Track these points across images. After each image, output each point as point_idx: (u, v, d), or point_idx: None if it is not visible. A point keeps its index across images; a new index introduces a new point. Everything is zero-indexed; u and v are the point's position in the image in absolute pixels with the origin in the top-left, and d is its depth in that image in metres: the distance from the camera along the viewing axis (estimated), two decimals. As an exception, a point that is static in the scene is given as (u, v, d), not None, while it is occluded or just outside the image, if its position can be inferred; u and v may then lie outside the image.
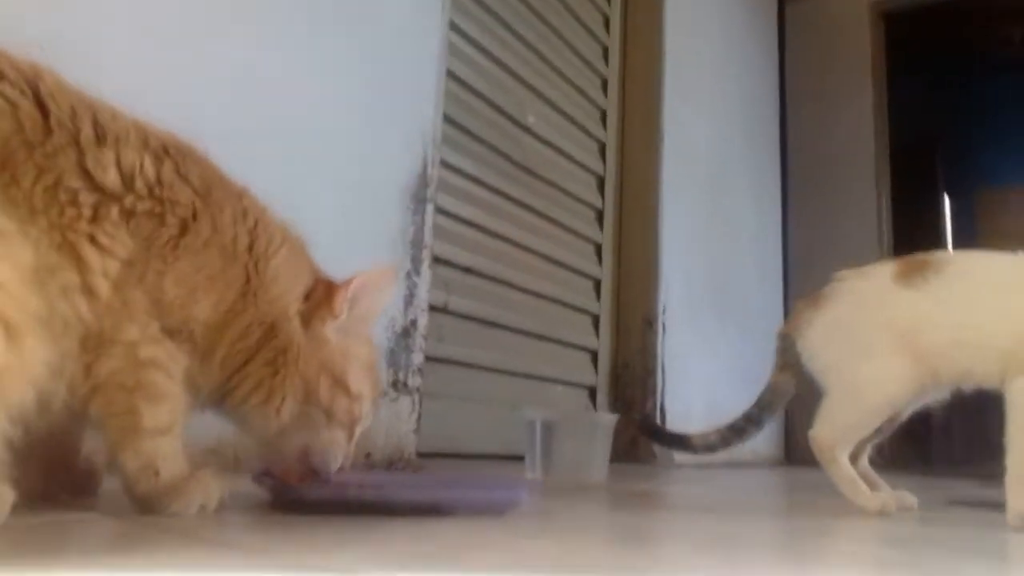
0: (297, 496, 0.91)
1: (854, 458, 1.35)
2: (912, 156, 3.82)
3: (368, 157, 1.68)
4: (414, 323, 1.74)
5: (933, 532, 1.13)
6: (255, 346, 0.92)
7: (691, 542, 0.91)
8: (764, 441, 3.05)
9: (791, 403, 1.52)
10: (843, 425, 1.31)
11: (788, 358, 1.44)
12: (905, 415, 1.39)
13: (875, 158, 3.51)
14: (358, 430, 1.01)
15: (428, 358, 1.79)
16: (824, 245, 3.40)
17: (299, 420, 0.94)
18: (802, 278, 3.41)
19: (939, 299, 1.29)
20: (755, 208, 3.48)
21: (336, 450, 0.97)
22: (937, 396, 1.37)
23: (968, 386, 1.31)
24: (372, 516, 0.90)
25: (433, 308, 1.84)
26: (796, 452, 3.23)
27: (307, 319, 0.96)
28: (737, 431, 1.51)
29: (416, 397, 1.72)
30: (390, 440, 1.63)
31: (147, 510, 0.84)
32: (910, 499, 1.33)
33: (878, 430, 1.36)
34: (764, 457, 3.12)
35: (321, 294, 0.98)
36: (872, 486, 1.34)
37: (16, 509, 0.72)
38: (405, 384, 1.70)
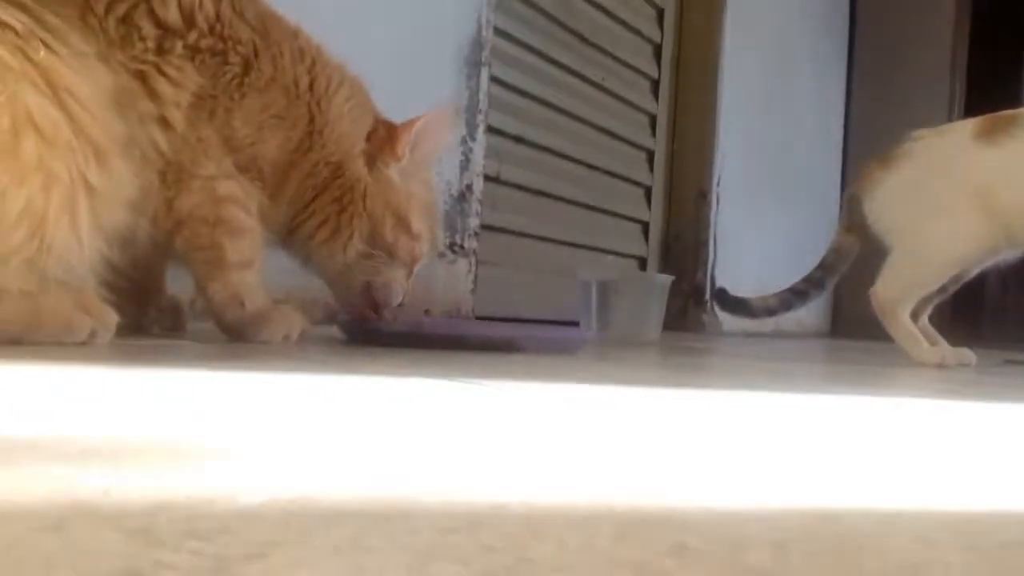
0: (374, 329, 0.95)
1: (914, 317, 1.35)
2: (995, 19, 3.54)
3: (423, 20, 1.64)
4: (469, 188, 1.75)
5: (989, 379, 1.14)
6: (322, 184, 0.94)
7: (746, 373, 0.94)
8: (810, 312, 3.04)
9: (840, 276, 1.51)
10: (907, 282, 1.32)
11: (854, 219, 1.42)
12: (971, 275, 1.38)
13: (953, 23, 3.28)
14: (416, 268, 1.05)
15: (482, 226, 1.80)
16: (888, 120, 3.24)
17: (363, 257, 0.98)
18: (863, 153, 3.29)
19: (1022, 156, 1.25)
20: (818, 78, 3.32)
21: (396, 287, 1.01)
22: (1007, 257, 1.35)
23: None
24: (446, 351, 0.94)
25: (486, 177, 1.84)
26: (843, 323, 3.23)
27: (371, 160, 0.98)
28: (799, 293, 1.52)
29: (472, 259, 1.75)
30: (448, 299, 1.67)
31: (236, 338, 0.90)
32: (969, 355, 1.34)
33: (941, 289, 1.36)
34: (810, 328, 3.13)
35: (384, 136, 1.00)
36: (932, 342, 1.34)
37: (117, 334, 0.77)
38: (462, 246, 1.72)
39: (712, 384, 0.79)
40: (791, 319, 2.89)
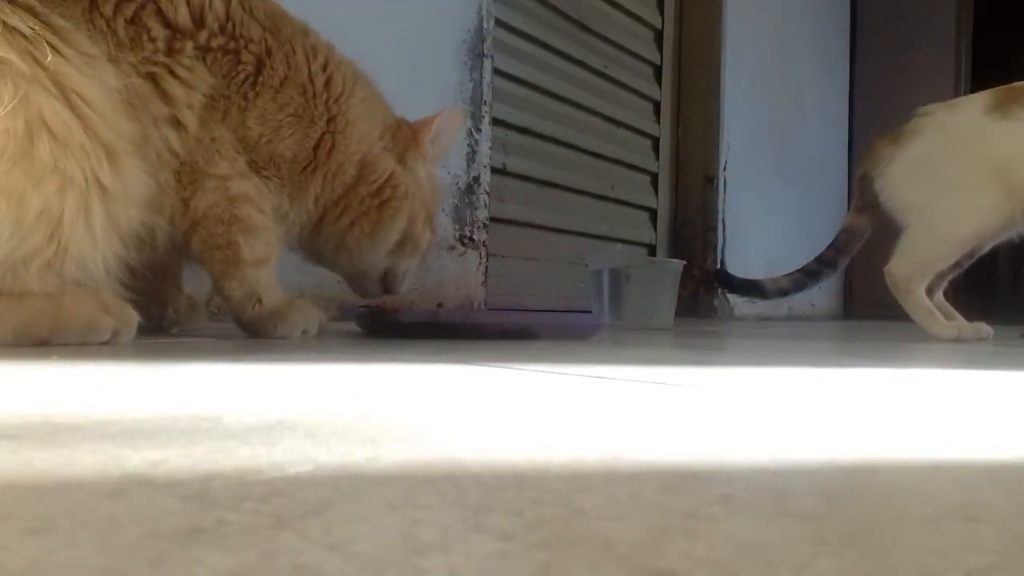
0: (392, 320, 0.96)
1: (929, 293, 1.35)
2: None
3: (424, 13, 1.64)
4: (477, 180, 1.75)
5: (1008, 351, 1.14)
6: (351, 182, 0.95)
7: (767, 352, 0.94)
8: (823, 294, 3.04)
9: (851, 258, 1.51)
10: (922, 258, 1.32)
11: (866, 199, 1.42)
12: (986, 249, 1.37)
13: (956, 10, 3.25)
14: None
15: (491, 218, 1.80)
16: (893, 98, 3.23)
17: (391, 250, 1.00)
18: (870, 132, 3.27)
19: None
20: (821, 59, 3.30)
21: (409, 275, 1.05)
22: (1022, 231, 1.34)
23: None
24: (464, 340, 0.95)
25: (493, 169, 1.84)
26: (856, 305, 3.22)
27: (401, 159, 1.00)
28: (810, 274, 1.52)
29: (483, 251, 1.75)
30: (460, 291, 1.68)
31: (255, 334, 0.90)
32: (986, 329, 1.33)
33: (956, 264, 1.35)
34: (823, 311, 3.12)
35: (408, 134, 1.02)
36: (948, 318, 1.34)
37: (138, 334, 0.77)
38: (471, 239, 1.73)
39: (735, 361, 0.79)
40: (804, 302, 2.88)
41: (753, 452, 0.32)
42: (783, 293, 1.56)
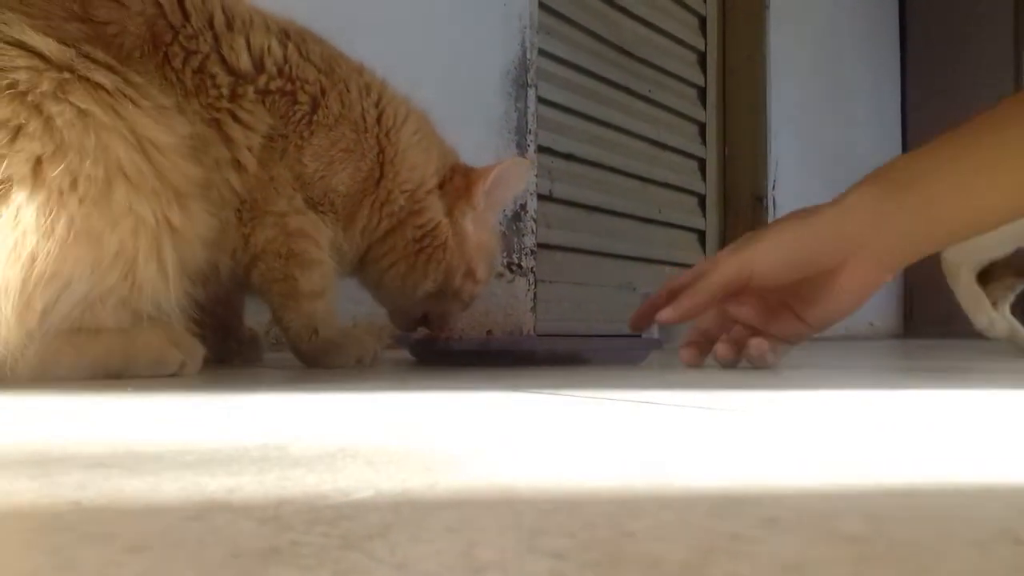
0: (444, 348, 0.98)
1: (993, 304, 1.33)
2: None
3: (469, 46, 1.69)
4: (523, 207, 1.78)
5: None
6: (398, 216, 0.98)
7: (813, 374, 0.93)
8: (881, 312, 2.96)
9: (911, 273, 1.50)
10: (970, 244, 1.31)
11: None
12: None
13: (1014, 5, 3.17)
14: (471, 303, 1.09)
15: (538, 244, 1.83)
16: (947, 111, 3.15)
17: (428, 296, 1.03)
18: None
19: None
20: (871, 74, 3.26)
21: (451, 320, 1.07)
22: None
23: None
24: (513, 367, 0.96)
25: (539, 196, 1.86)
26: (916, 323, 3.12)
27: (449, 209, 1.02)
28: None
29: (531, 278, 1.77)
30: (509, 319, 1.70)
31: (312, 364, 0.94)
32: None
33: (1020, 272, 1.33)
34: (882, 330, 3.03)
35: (460, 185, 1.03)
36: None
37: (204, 365, 0.81)
38: (519, 266, 1.75)
39: (786, 384, 0.79)
40: (862, 320, 2.81)
41: (801, 476, 0.32)
42: None
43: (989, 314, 1.31)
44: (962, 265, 1.32)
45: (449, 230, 1.01)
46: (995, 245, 1.32)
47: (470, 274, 1.04)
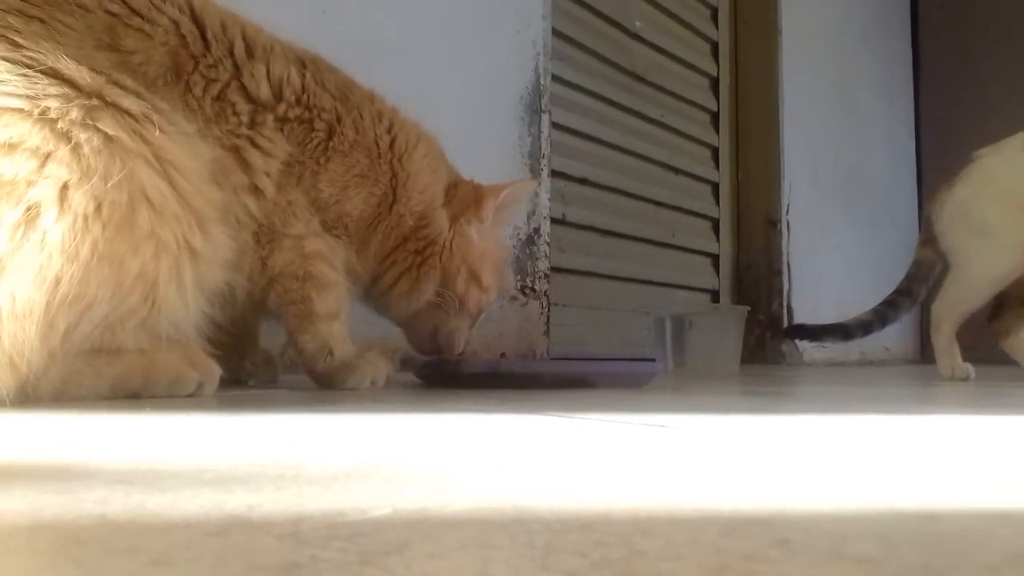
0: (453, 370, 0.98)
1: (1007, 331, 1.38)
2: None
3: (484, 73, 1.71)
4: (537, 231, 1.79)
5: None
6: (407, 234, 1.00)
7: (827, 399, 0.92)
8: (898, 337, 2.93)
9: (929, 299, 1.53)
10: (954, 299, 1.40)
11: (929, 235, 1.48)
12: None
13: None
14: (481, 318, 1.10)
15: (552, 268, 1.83)
16: (963, 132, 3.14)
17: (433, 305, 1.03)
18: (940, 168, 3.18)
19: None
20: (885, 97, 3.26)
21: (460, 335, 1.07)
22: None
23: None
24: (523, 390, 0.96)
25: (552, 220, 1.87)
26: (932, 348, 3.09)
27: (455, 217, 1.04)
28: (891, 304, 1.55)
29: (544, 301, 1.78)
30: (522, 341, 1.70)
31: (326, 385, 0.94)
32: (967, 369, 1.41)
33: None
34: (898, 355, 3.00)
35: (470, 196, 1.06)
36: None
37: (219, 386, 0.82)
38: (533, 289, 1.75)
39: (799, 409, 0.78)
40: (878, 345, 2.79)
41: (814, 499, 0.32)
42: (866, 330, 1.56)
43: (952, 364, 1.42)
44: (944, 318, 1.41)
45: (449, 235, 1.03)
46: (974, 300, 1.40)
47: (474, 278, 1.04)
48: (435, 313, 1.04)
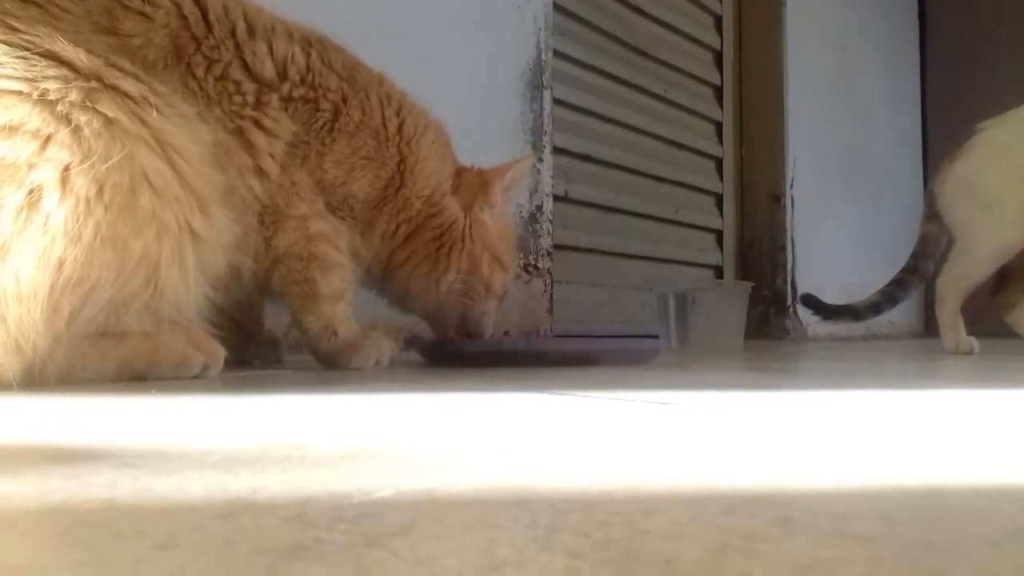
0: (457, 349, 0.99)
1: (1012, 305, 1.39)
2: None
3: (485, 49, 1.70)
4: (540, 208, 1.78)
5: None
6: (416, 221, 1.00)
7: (831, 375, 0.92)
8: (902, 312, 2.93)
9: (935, 274, 1.53)
10: (957, 273, 1.39)
11: (933, 210, 1.48)
12: None
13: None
14: (505, 298, 1.10)
15: (555, 245, 1.83)
16: (968, 108, 3.11)
17: (459, 292, 1.03)
18: (944, 143, 3.15)
19: None
20: (890, 73, 3.22)
21: (488, 318, 1.07)
22: None
23: None
24: (524, 368, 0.97)
25: (555, 197, 1.87)
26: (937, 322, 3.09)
27: (467, 206, 1.05)
28: (899, 283, 1.55)
29: (547, 279, 1.78)
30: (526, 319, 1.70)
31: (330, 365, 0.95)
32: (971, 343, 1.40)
33: None
34: (903, 329, 3.01)
35: (476, 182, 1.06)
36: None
37: (225, 366, 0.83)
38: (536, 267, 1.75)
39: (802, 385, 0.79)
40: (882, 320, 2.79)
41: (816, 476, 0.33)
42: (877, 310, 1.56)
43: (957, 338, 1.42)
44: (948, 292, 1.41)
45: (466, 223, 1.03)
46: (977, 273, 1.40)
47: (497, 261, 1.06)
48: (462, 301, 1.05)
